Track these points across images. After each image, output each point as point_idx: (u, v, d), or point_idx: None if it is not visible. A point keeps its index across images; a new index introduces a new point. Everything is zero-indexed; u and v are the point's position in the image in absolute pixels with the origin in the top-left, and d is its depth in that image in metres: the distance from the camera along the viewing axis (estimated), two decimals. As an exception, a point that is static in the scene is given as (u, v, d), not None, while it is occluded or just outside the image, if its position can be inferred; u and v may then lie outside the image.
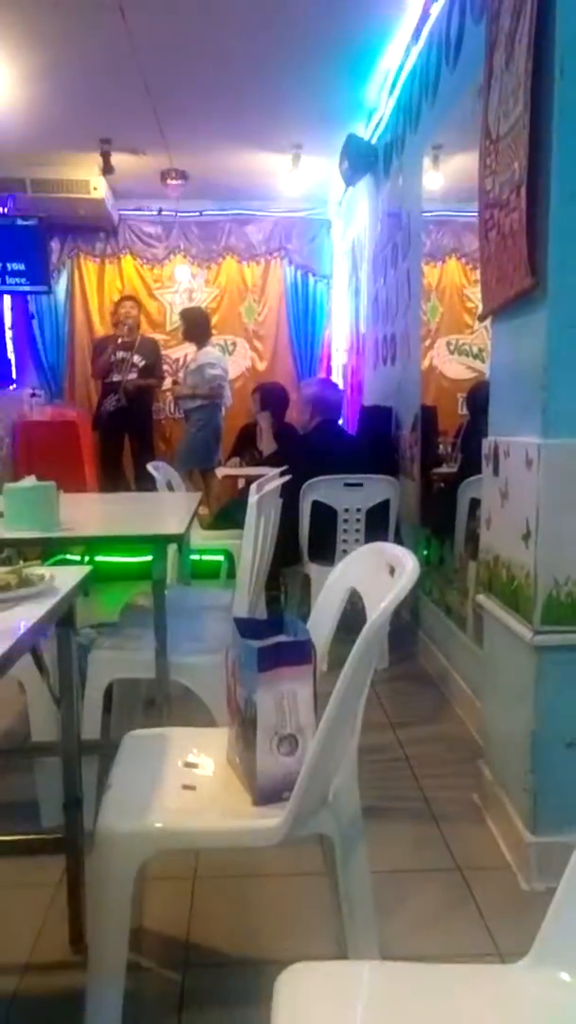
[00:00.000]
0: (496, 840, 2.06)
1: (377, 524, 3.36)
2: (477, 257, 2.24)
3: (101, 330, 6.55)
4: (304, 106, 4.48)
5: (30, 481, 2.05)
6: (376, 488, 3.39)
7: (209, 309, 6.58)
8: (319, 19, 3.47)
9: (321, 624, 1.47)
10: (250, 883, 1.88)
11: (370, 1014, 0.92)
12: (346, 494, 3.35)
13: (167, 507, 2.81)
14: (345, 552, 2.87)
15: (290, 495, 2.85)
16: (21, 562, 2.12)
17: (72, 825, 1.66)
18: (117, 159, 5.19)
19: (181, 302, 6.65)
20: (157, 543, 1.98)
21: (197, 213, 6.56)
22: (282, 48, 3.78)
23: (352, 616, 1.36)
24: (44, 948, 1.67)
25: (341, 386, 5.60)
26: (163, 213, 6.49)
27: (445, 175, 3.44)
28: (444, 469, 3.79)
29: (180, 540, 2.33)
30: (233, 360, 6.58)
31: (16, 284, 5.74)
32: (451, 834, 2.09)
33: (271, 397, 4.64)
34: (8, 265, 5.64)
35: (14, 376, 6.43)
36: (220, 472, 5.14)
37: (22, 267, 5.66)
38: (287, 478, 2.56)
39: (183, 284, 6.74)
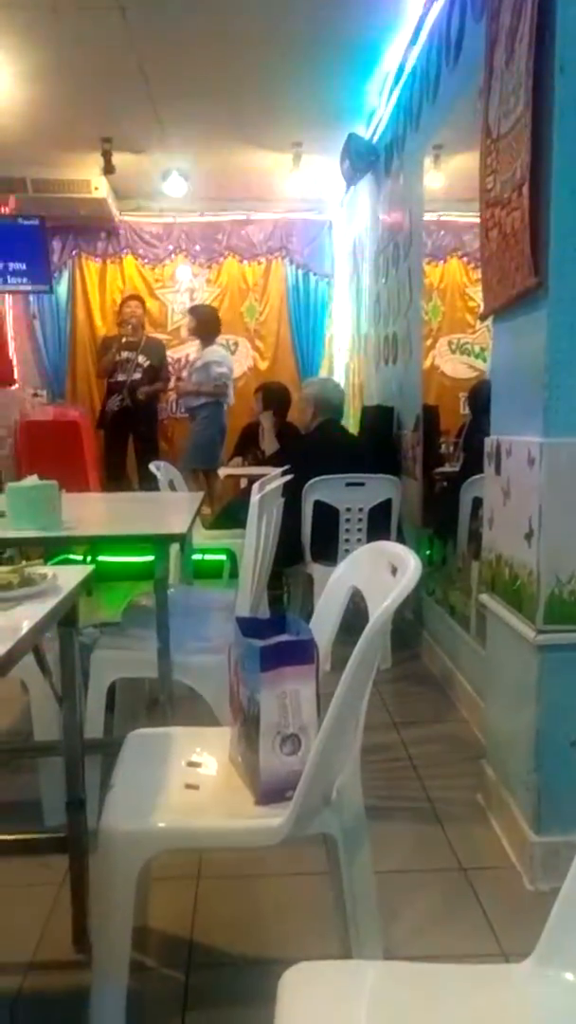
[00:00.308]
0: (500, 840, 2.06)
1: (379, 524, 3.36)
2: (478, 256, 2.24)
3: (103, 330, 6.54)
4: (304, 106, 4.47)
5: (32, 481, 2.06)
6: (378, 488, 3.39)
7: (210, 309, 6.57)
8: (319, 19, 3.46)
9: (323, 623, 1.47)
10: (253, 882, 1.88)
11: (373, 1014, 0.91)
12: (348, 494, 3.35)
13: (169, 507, 2.81)
14: (347, 552, 2.86)
15: (292, 495, 2.85)
16: (23, 561, 2.13)
17: (75, 824, 1.66)
18: (118, 159, 5.18)
19: (183, 302, 6.65)
20: (159, 543, 1.98)
21: (198, 213, 6.55)
22: (282, 48, 3.77)
23: (354, 616, 1.36)
24: (48, 947, 1.67)
25: (343, 385, 5.59)
26: (164, 212, 6.49)
27: (446, 175, 3.43)
28: (446, 468, 3.78)
29: (182, 540, 2.34)
30: (235, 360, 6.57)
31: (17, 284, 5.73)
32: (455, 834, 2.09)
33: (273, 397, 4.64)
34: (9, 265, 5.63)
35: (16, 376, 6.43)
36: (222, 471, 5.14)
37: (23, 267, 5.65)
38: (289, 478, 2.56)
39: (184, 284, 6.74)
